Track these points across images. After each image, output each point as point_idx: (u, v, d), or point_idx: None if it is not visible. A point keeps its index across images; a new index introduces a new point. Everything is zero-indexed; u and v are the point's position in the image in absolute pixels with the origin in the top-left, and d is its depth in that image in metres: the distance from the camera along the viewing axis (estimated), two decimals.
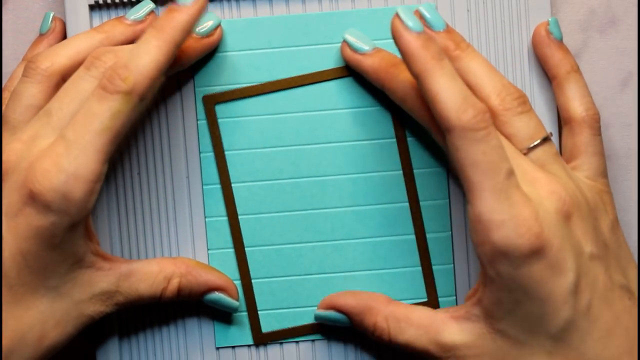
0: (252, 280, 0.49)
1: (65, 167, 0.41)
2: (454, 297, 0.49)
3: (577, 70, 0.48)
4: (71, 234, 0.42)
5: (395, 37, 0.41)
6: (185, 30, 0.44)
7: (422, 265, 0.49)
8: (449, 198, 0.49)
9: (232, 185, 0.49)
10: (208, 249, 0.49)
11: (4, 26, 0.52)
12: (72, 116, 0.43)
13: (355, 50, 0.47)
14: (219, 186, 0.49)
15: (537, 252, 0.41)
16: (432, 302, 0.49)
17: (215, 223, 0.49)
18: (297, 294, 0.49)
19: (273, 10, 0.49)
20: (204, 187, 0.49)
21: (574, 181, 0.44)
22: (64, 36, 0.50)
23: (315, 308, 0.49)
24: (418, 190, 0.49)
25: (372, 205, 0.49)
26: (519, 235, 0.40)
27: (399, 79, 0.46)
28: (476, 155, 0.40)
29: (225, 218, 0.49)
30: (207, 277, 0.47)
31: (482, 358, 0.43)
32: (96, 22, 0.49)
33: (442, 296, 0.49)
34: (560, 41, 0.48)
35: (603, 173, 0.47)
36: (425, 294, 0.49)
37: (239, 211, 0.49)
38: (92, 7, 0.49)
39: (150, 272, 0.46)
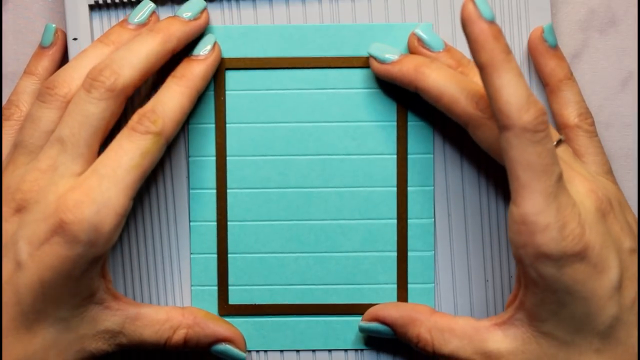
0: (232, 287, 0.49)
1: (97, 200, 0.42)
2: None
3: (570, 77, 0.48)
4: (91, 267, 0.43)
5: (467, 23, 0.40)
6: (205, 78, 0.47)
7: (399, 283, 0.49)
8: (434, 217, 0.49)
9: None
10: (191, 253, 0.49)
11: (4, 26, 0.52)
12: (86, 142, 0.43)
13: (382, 61, 0.47)
14: (204, 191, 0.49)
15: (580, 254, 0.41)
16: None
17: (200, 227, 0.49)
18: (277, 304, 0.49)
19: (273, 10, 0.49)
20: (191, 191, 0.49)
21: (597, 178, 0.45)
22: (65, 48, 0.50)
23: (296, 318, 0.49)
24: (408, 208, 0.49)
25: (357, 220, 0.49)
26: (563, 237, 0.41)
27: (432, 78, 0.46)
28: (531, 157, 0.40)
29: (210, 223, 0.49)
30: (215, 329, 0.47)
31: None
32: (96, 22, 0.49)
33: None
34: (554, 48, 0.48)
35: (609, 170, 0.48)
36: None
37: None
38: (92, 7, 0.49)
39: (157, 320, 0.46)
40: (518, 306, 0.43)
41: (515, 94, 0.40)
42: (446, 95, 0.45)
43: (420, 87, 0.46)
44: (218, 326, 0.47)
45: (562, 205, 0.41)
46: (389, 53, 0.47)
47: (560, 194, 0.41)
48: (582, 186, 0.43)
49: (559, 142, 0.45)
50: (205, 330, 0.47)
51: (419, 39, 0.47)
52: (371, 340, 0.49)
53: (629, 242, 0.43)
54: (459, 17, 0.42)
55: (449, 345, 0.45)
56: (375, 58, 0.47)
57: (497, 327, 0.44)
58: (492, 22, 0.40)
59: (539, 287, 0.42)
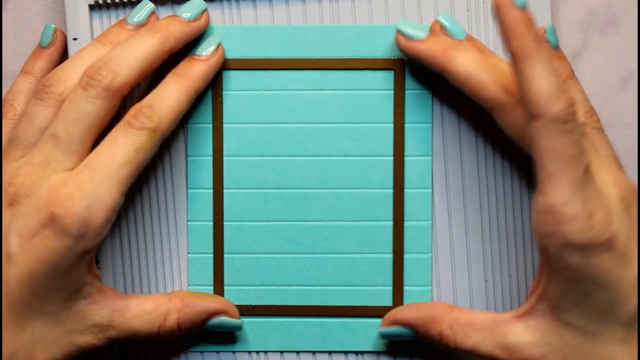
0: (228, 287, 0.49)
1: (88, 194, 0.42)
2: None
3: (572, 76, 0.48)
4: (80, 261, 0.43)
5: (500, 10, 0.40)
6: (205, 79, 0.47)
7: (395, 285, 0.49)
8: (432, 220, 0.49)
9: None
10: (188, 253, 0.49)
11: (4, 26, 0.52)
12: (80, 139, 0.44)
13: (409, 38, 0.47)
14: (202, 190, 0.49)
15: (606, 243, 0.41)
16: None
17: (198, 227, 0.49)
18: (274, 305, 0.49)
19: (273, 10, 0.49)
20: (189, 190, 0.49)
21: (619, 170, 0.45)
22: (64, 49, 0.50)
23: (293, 319, 0.49)
24: (405, 210, 0.49)
25: (355, 221, 0.49)
26: (590, 227, 0.41)
27: (460, 60, 0.45)
28: (559, 147, 0.40)
29: (207, 223, 0.49)
30: (205, 305, 0.47)
31: (549, 356, 0.43)
32: (96, 22, 0.49)
33: None
34: (556, 48, 0.48)
35: (620, 165, 0.48)
36: None
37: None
38: (92, 7, 0.49)
39: (145, 309, 0.46)
40: (539, 296, 0.43)
41: (546, 83, 0.40)
42: (473, 79, 0.45)
43: (447, 69, 0.46)
44: (207, 301, 0.47)
45: (589, 195, 0.41)
46: (418, 30, 0.47)
47: (587, 185, 0.41)
48: (608, 177, 0.43)
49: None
50: (195, 309, 0.47)
51: (442, 26, 0.47)
52: (369, 342, 0.49)
53: None
54: (490, 5, 0.41)
55: (469, 340, 0.45)
56: (402, 34, 0.47)
57: (518, 319, 0.44)
58: (524, 9, 0.40)
59: (563, 277, 0.42)
